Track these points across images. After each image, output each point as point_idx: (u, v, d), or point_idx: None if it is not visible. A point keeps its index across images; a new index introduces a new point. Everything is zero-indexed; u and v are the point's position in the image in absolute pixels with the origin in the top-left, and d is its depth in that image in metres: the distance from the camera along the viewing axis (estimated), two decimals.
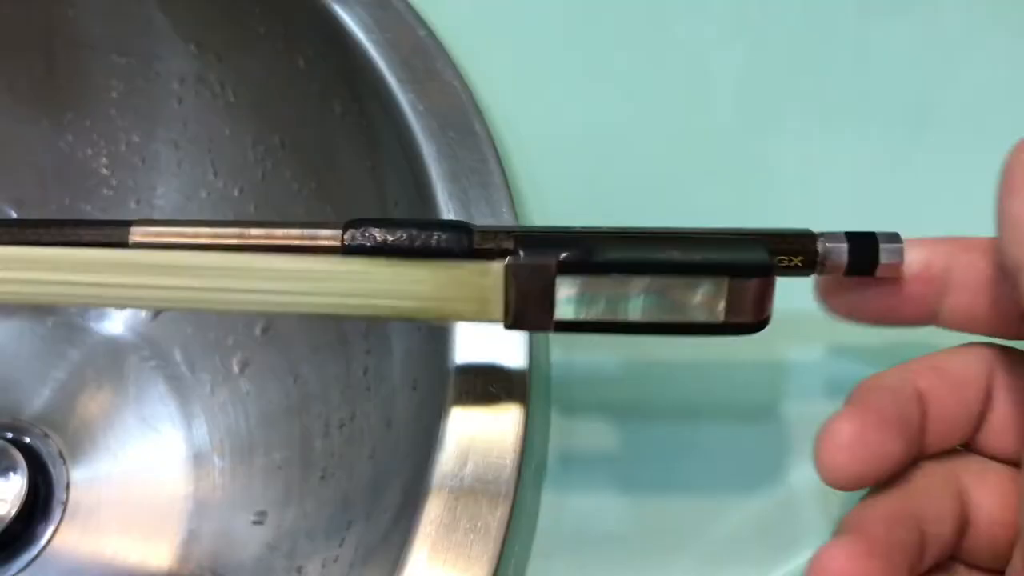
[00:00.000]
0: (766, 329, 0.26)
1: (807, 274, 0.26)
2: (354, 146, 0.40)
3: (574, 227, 0.26)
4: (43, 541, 0.43)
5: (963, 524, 0.25)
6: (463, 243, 0.24)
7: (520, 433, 0.30)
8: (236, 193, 0.45)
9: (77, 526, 0.43)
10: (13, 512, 0.42)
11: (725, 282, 0.24)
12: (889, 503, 0.24)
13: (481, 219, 0.33)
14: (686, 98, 0.40)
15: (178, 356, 0.46)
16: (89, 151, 0.47)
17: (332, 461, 0.41)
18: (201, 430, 0.45)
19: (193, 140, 0.45)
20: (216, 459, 0.44)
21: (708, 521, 0.31)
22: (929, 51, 0.41)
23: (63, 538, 0.43)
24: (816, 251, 0.26)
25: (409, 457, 0.34)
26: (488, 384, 0.30)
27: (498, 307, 0.24)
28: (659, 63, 0.41)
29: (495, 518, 0.29)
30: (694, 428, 0.33)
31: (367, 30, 0.37)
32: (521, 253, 0.24)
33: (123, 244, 0.25)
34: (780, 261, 0.25)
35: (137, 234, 0.25)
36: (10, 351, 0.46)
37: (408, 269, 0.24)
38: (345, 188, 0.41)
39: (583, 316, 0.25)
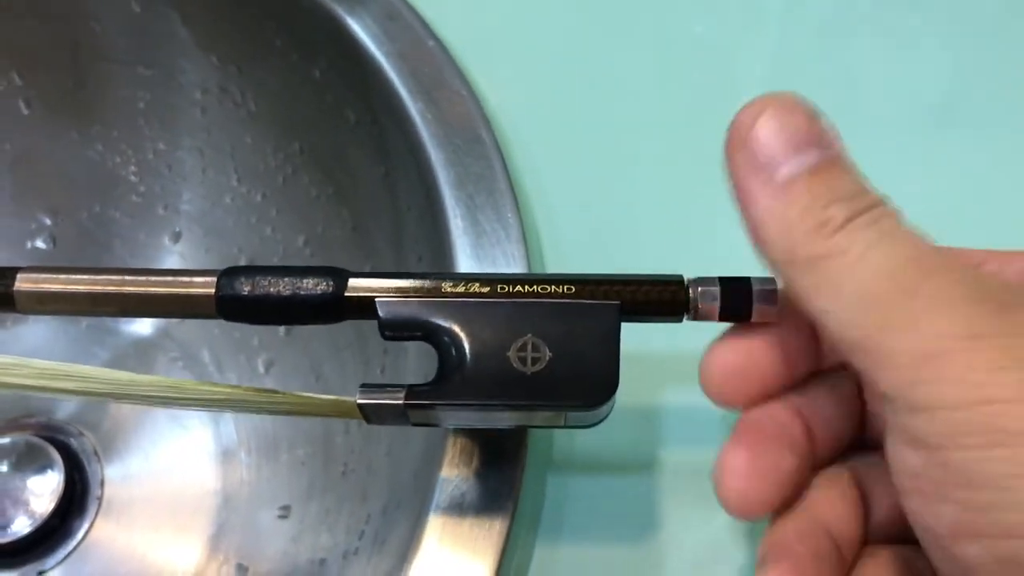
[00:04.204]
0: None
1: (677, 320, 0.26)
2: (368, 153, 0.41)
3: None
4: (80, 535, 0.44)
5: (866, 512, 0.26)
6: (328, 294, 0.27)
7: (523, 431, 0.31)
8: (259, 198, 0.46)
9: (112, 521, 0.45)
10: (51, 508, 0.43)
11: (563, 413, 0.26)
12: (794, 521, 0.25)
13: (487, 224, 0.35)
14: (700, 99, 0.41)
15: (206, 356, 0.48)
16: (118, 159, 0.48)
17: (352, 457, 0.42)
18: (228, 428, 0.46)
19: (216, 148, 0.47)
20: (243, 456, 0.45)
21: None
22: (956, 44, 0.41)
23: (98, 532, 0.45)
24: (684, 298, 0.26)
25: (421, 453, 0.36)
26: None
27: (358, 416, 0.27)
28: (671, 65, 0.41)
29: (499, 512, 0.30)
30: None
31: (378, 42, 0.38)
32: (364, 398, 0.26)
33: (8, 290, 0.27)
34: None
35: (22, 280, 0.27)
36: (44, 352, 0.47)
37: (284, 396, 0.27)
38: (360, 193, 0.43)
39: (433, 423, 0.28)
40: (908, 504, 0.21)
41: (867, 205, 0.22)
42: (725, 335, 0.26)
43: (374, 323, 0.42)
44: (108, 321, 0.49)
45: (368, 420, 0.27)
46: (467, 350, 0.26)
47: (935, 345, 0.19)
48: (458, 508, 0.30)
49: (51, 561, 0.44)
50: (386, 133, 0.39)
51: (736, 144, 0.23)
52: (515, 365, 0.25)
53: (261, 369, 0.46)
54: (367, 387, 0.26)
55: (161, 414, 0.47)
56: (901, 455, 0.21)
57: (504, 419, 0.28)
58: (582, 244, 0.37)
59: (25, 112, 0.47)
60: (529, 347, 0.26)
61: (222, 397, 0.27)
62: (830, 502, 0.26)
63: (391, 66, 0.38)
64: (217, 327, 0.48)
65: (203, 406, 0.28)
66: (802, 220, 0.22)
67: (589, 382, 0.25)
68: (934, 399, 0.19)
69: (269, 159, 0.45)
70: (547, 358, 0.25)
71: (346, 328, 0.44)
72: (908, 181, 0.38)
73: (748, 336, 0.26)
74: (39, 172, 0.49)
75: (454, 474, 0.31)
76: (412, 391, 0.26)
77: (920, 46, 0.41)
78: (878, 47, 0.41)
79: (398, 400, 0.26)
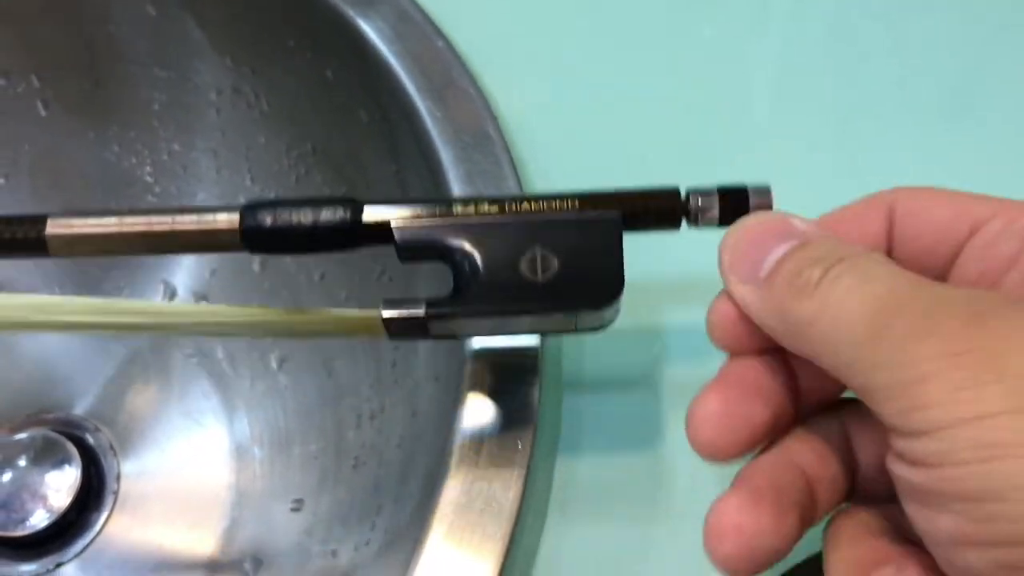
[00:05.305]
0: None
1: (675, 228, 0.28)
2: (379, 151, 0.42)
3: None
4: (96, 529, 0.45)
5: (851, 464, 0.27)
6: (346, 221, 0.28)
7: (532, 416, 0.32)
8: (272, 198, 0.47)
9: (127, 515, 0.46)
10: (68, 502, 0.44)
11: (573, 318, 0.28)
12: (771, 455, 0.26)
13: None
14: (709, 100, 0.41)
15: (220, 353, 0.48)
16: (134, 160, 0.49)
17: (364, 450, 0.43)
18: (242, 423, 0.47)
19: (231, 148, 0.48)
20: (256, 450, 0.46)
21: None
22: (966, 39, 0.42)
23: (114, 526, 0.45)
24: (681, 207, 0.28)
25: (432, 444, 0.36)
26: (501, 372, 0.33)
27: (381, 333, 0.28)
28: (679, 67, 0.42)
29: (508, 498, 0.31)
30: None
31: (388, 42, 0.39)
32: (387, 311, 0.27)
33: (40, 235, 0.28)
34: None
35: (52, 225, 0.28)
36: (62, 350, 0.49)
37: (311, 315, 0.29)
38: (373, 191, 0.43)
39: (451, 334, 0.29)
40: (908, 508, 0.22)
41: (842, 256, 0.23)
42: None
43: None
44: None
45: (390, 334, 0.28)
46: (480, 265, 0.27)
47: (916, 372, 0.20)
48: (467, 496, 0.31)
49: (69, 554, 0.45)
50: (397, 131, 0.40)
51: (726, 265, 0.26)
52: (526, 275, 0.27)
53: (274, 365, 0.47)
54: (390, 301, 0.27)
55: (176, 410, 0.48)
56: (902, 472, 0.21)
57: (518, 325, 0.29)
58: None
59: (43, 113, 0.48)
60: (538, 258, 0.27)
61: (247, 320, 0.28)
62: (807, 445, 0.26)
63: (401, 66, 0.39)
64: None
65: (229, 331, 0.29)
66: (785, 292, 0.23)
67: (596, 285, 0.27)
68: (927, 423, 0.20)
69: (282, 159, 0.46)
70: (555, 267, 0.27)
71: None
72: (915, 178, 0.38)
73: None
74: (57, 172, 0.49)
75: (464, 463, 0.32)
76: (432, 304, 0.27)
77: (927, 44, 0.42)
78: (885, 45, 0.42)
79: (420, 312, 0.27)
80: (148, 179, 0.49)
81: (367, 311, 0.28)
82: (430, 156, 0.37)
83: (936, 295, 0.22)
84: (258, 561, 0.43)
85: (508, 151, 0.37)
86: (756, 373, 0.26)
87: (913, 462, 0.21)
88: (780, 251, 0.24)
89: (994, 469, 0.19)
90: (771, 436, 0.26)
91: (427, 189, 0.38)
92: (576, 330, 0.29)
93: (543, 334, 0.33)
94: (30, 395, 0.48)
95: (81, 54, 0.47)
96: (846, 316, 0.22)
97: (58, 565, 0.44)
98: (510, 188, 0.36)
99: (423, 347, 0.41)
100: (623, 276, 0.27)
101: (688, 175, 0.38)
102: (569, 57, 0.42)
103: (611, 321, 0.28)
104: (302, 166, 0.46)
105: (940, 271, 0.26)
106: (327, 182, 0.45)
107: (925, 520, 0.21)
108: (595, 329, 0.29)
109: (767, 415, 0.26)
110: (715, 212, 0.28)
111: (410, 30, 0.40)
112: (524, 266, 0.27)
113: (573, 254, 0.27)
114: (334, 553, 0.41)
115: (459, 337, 0.32)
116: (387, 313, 0.27)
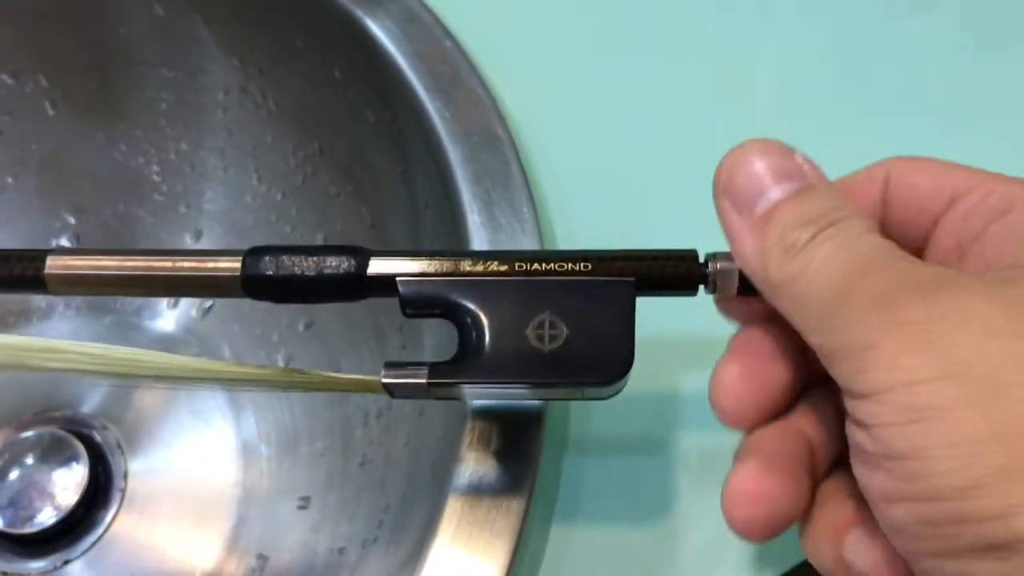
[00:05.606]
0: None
1: (692, 294, 0.27)
2: (386, 151, 0.42)
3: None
4: (103, 526, 0.45)
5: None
6: (350, 272, 0.27)
7: (540, 417, 0.32)
8: (279, 197, 0.47)
9: (135, 512, 0.46)
10: (76, 499, 0.44)
11: (580, 390, 0.27)
12: (776, 424, 0.27)
13: (503, 218, 0.36)
14: (713, 100, 0.42)
15: (226, 352, 0.49)
16: (141, 160, 0.49)
17: (371, 448, 0.43)
18: (249, 422, 0.47)
19: (238, 148, 0.48)
20: (263, 448, 0.46)
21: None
22: (968, 44, 0.42)
23: (122, 523, 0.46)
24: (698, 272, 0.27)
25: (439, 443, 0.36)
26: (502, 429, 0.33)
27: (383, 392, 0.28)
28: (684, 67, 0.42)
29: (516, 496, 0.31)
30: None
31: (397, 42, 0.39)
32: (388, 377, 0.27)
33: (39, 274, 0.28)
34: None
35: (52, 264, 0.28)
36: None
37: (309, 376, 0.29)
38: (379, 191, 0.44)
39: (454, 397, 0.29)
40: (854, 470, 0.23)
41: (832, 221, 0.24)
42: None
43: (392, 319, 0.44)
44: (132, 317, 0.50)
45: (392, 396, 0.28)
46: (486, 329, 0.27)
47: (866, 338, 0.21)
48: (475, 493, 0.31)
49: (77, 550, 0.45)
50: (404, 131, 0.40)
51: (720, 187, 0.25)
52: (533, 343, 0.26)
53: (281, 363, 0.47)
54: (391, 365, 0.27)
55: (183, 408, 0.48)
56: (851, 432, 0.23)
57: (523, 394, 0.29)
58: (596, 237, 0.38)
59: (51, 113, 0.48)
60: (547, 324, 0.26)
61: (248, 377, 0.28)
62: (809, 413, 0.27)
63: (409, 66, 0.39)
64: (237, 324, 0.49)
65: (229, 386, 0.28)
66: (775, 246, 0.24)
67: (605, 358, 0.26)
68: (869, 386, 0.21)
69: (289, 158, 0.47)
70: (564, 335, 0.26)
71: (364, 323, 0.45)
72: None
73: None
74: (64, 172, 0.50)
75: (472, 459, 0.32)
76: (434, 370, 0.27)
77: (930, 46, 0.42)
78: (889, 50, 0.42)
79: (421, 380, 0.27)
80: (155, 178, 0.49)
81: (368, 377, 0.28)
82: (438, 156, 0.37)
83: (902, 269, 0.22)
84: (264, 558, 0.43)
85: (516, 151, 0.37)
86: (769, 339, 0.27)
87: (857, 423, 0.22)
88: (780, 191, 0.24)
89: (919, 430, 0.20)
90: (791, 399, 0.27)
91: (435, 189, 0.38)
92: (583, 398, 0.28)
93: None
94: (38, 393, 0.48)
95: (89, 54, 0.47)
96: (820, 280, 0.23)
97: (66, 562, 0.44)
98: (518, 187, 0.36)
99: (429, 347, 0.41)
100: (633, 351, 0.26)
101: (691, 174, 0.39)
102: (576, 57, 0.43)
103: (619, 391, 0.28)
104: (309, 166, 0.46)
105: (922, 240, 0.27)
106: (334, 182, 0.45)
107: (863, 479, 0.22)
108: (603, 399, 0.28)
109: (788, 375, 0.26)
110: (735, 281, 0.27)
111: (418, 30, 0.40)
112: (531, 332, 0.26)
113: (583, 322, 0.26)
114: (341, 551, 0.41)
115: (462, 399, 0.32)
116: (387, 380, 0.27)
